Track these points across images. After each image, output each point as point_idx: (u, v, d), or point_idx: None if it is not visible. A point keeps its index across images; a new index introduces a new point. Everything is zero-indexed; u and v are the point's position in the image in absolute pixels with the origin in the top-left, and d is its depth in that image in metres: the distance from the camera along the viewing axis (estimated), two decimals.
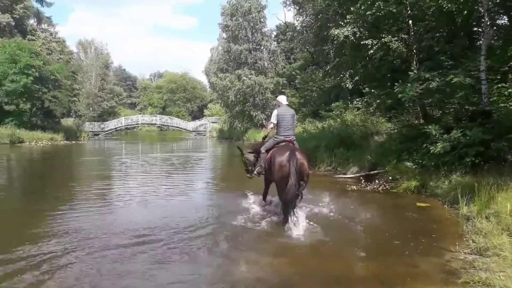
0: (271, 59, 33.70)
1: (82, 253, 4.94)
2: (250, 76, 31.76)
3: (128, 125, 51.86)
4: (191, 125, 54.53)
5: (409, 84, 8.54)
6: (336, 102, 17.23)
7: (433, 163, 8.49)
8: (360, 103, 15.56)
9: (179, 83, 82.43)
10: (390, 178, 9.29)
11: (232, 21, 32.55)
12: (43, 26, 43.97)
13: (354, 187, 9.30)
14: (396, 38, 9.97)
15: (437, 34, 10.33)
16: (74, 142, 33.67)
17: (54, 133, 32.84)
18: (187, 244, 5.29)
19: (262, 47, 33.79)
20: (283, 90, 34.05)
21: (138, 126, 59.90)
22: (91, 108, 63.02)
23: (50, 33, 43.66)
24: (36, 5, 43.19)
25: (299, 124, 25.15)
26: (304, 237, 5.54)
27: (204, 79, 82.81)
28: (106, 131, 47.48)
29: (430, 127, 8.42)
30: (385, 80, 10.77)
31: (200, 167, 16.99)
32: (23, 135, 29.34)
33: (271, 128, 6.88)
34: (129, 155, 22.37)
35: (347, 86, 11.68)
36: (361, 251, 5.02)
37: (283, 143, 6.56)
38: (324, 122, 17.06)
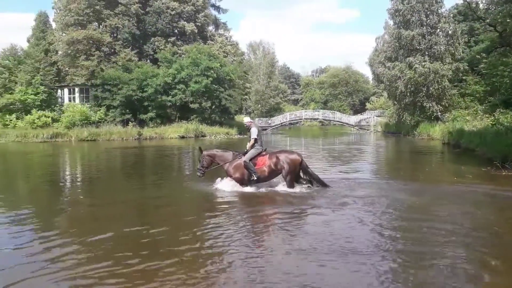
0: (449, 42, 29.68)
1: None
2: (423, 63, 28.70)
3: (292, 120, 53.72)
4: (353, 119, 53.28)
5: None
6: None
7: None
8: None
9: (341, 77, 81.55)
10: None
11: (403, 4, 29.92)
12: (220, 32, 48.81)
13: None
14: None
15: None
16: (245, 136, 36.37)
17: (229, 128, 36.23)
18: None
19: (438, 30, 30.09)
20: (463, 78, 29.87)
21: (301, 122, 61.50)
22: (259, 105, 67.61)
23: (225, 37, 48.13)
24: (214, 12, 48.33)
25: (486, 115, 21.67)
26: None
27: (366, 72, 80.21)
28: (273, 126, 50.06)
29: None
30: None
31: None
32: (204, 129, 33.61)
33: (253, 143, 8.84)
34: (297, 147, 22.80)
35: None
36: None
37: (276, 150, 9.68)
38: None
